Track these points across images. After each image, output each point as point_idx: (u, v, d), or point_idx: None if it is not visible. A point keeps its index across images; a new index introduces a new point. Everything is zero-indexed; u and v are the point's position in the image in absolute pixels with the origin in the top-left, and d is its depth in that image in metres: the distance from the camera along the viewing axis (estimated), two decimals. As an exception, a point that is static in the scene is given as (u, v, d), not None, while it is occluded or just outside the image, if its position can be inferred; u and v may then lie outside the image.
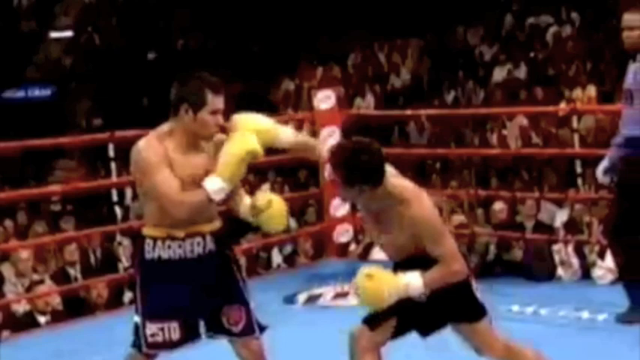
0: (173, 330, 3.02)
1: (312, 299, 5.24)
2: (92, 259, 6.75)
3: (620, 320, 4.48)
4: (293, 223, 7.73)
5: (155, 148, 2.95)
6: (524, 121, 9.72)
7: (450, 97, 11.63)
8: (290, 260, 6.82)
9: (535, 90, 10.64)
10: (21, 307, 5.73)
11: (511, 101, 10.34)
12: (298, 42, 14.01)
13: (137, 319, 3.06)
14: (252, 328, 3.10)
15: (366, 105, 11.86)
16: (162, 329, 3.02)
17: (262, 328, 3.15)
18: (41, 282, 5.96)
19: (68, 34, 17.14)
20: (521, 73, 11.39)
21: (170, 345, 3.06)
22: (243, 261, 6.57)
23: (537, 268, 5.50)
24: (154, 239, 3.02)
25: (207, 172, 2.97)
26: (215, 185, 2.92)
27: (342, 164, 2.86)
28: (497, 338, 3.12)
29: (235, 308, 3.08)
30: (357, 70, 13.25)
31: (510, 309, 4.84)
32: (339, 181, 2.88)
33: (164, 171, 2.92)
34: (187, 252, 3.03)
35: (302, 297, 5.31)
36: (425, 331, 3.09)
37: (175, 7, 16.13)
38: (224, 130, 3.06)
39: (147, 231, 3.05)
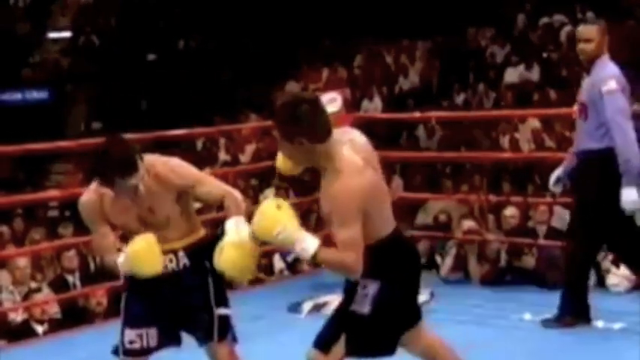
0: (151, 337, 3.17)
1: (317, 308, 5.23)
2: (91, 266, 6.78)
3: (544, 325, 4.63)
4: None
5: (91, 204, 3.20)
6: (537, 124, 9.72)
7: (460, 100, 11.64)
8: (294, 267, 6.83)
9: (548, 92, 10.65)
10: (18, 316, 5.75)
11: (523, 103, 10.34)
12: (302, 43, 14.04)
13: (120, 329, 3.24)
14: (210, 335, 3.21)
15: (374, 108, 11.88)
16: (140, 335, 3.16)
17: (224, 333, 3.22)
18: (39, 290, 5.98)
19: (66, 34, 17.19)
20: (534, 74, 11.39)
21: (147, 352, 3.21)
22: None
23: (550, 276, 5.50)
24: None
25: (140, 219, 3.15)
26: (122, 266, 3.11)
27: (281, 117, 2.85)
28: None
29: (200, 315, 3.20)
30: (364, 71, 13.27)
31: (522, 318, 4.84)
32: (279, 136, 2.88)
33: (99, 229, 3.21)
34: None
35: (307, 306, 5.31)
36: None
37: (176, 6, 16.16)
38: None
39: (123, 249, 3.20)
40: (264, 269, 6.82)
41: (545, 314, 4.73)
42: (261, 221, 2.82)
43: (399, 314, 3.00)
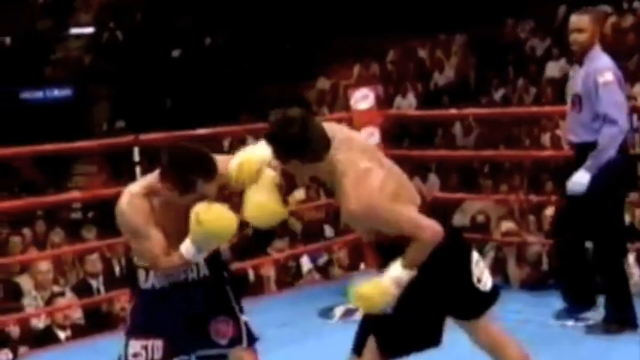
0: (156, 349, 3.15)
1: (349, 313, 5.23)
2: (115, 270, 6.83)
3: (588, 332, 4.62)
4: (329, 231, 7.75)
5: (142, 206, 3.03)
6: (636, 122, 9.63)
7: (498, 96, 11.59)
8: (325, 271, 6.83)
9: (591, 87, 10.56)
10: (40, 322, 5.80)
11: (565, 99, 10.26)
12: (333, 38, 14.05)
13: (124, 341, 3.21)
14: (240, 339, 3.21)
15: (408, 104, 11.86)
16: (145, 347, 3.14)
17: (253, 340, 3.24)
18: (61, 294, 6.03)
19: (88, 30, 17.33)
20: (577, 68, 11.31)
21: None
22: (272, 272, 6.63)
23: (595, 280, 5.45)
24: (147, 269, 3.14)
25: (177, 227, 3.03)
26: (190, 252, 3.01)
27: (273, 138, 2.88)
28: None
29: (222, 321, 3.20)
30: (397, 67, 13.25)
31: (565, 324, 4.80)
32: (274, 154, 2.90)
33: (151, 233, 3.02)
34: (180, 277, 3.15)
35: (338, 311, 5.31)
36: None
37: (202, 1, 16.23)
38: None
39: (138, 261, 3.16)
40: (292, 272, 6.85)
41: (590, 320, 4.69)
42: (371, 307, 2.93)
43: (428, 307, 2.99)
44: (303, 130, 2.82)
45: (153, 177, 3.08)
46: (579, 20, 4.55)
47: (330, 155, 2.86)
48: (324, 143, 2.85)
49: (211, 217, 2.90)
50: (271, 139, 2.88)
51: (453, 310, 3.07)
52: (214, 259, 3.21)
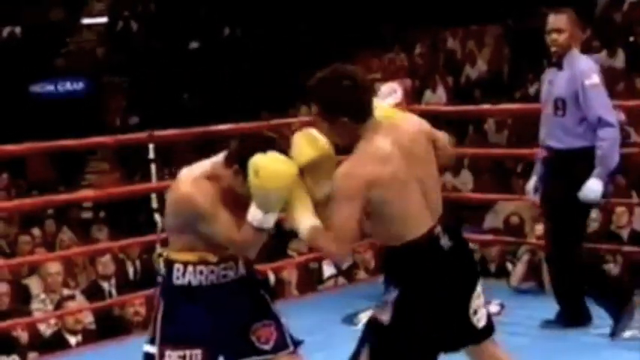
0: (195, 358, 3.10)
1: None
2: (129, 273, 6.85)
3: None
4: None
5: (211, 192, 3.05)
6: (622, 117, 9.56)
7: (533, 90, 11.51)
8: (349, 274, 6.82)
9: (634, 80, 10.49)
10: (49, 327, 5.83)
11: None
12: (359, 29, 14.02)
13: (151, 349, 3.15)
14: (285, 343, 3.21)
15: (437, 99, 11.82)
16: (183, 357, 3.10)
17: (297, 343, 3.25)
18: (72, 298, 6.05)
19: (102, 20, 17.41)
20: (619, 60, 11.23)
21: None
22: (294, 276, 6.62)
23: (635, 286, 5.41)
24: (185, 264, 3.12)
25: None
26: (257, 217, 2.98)
27: (321, 93, 2.88)
28: None
29: (265, 325, 3.20)
30: (426, 59, 13.21)
31: (604, 333, 4.77)
32: (317, 114, 2.90)
33: (223, 215, 3.03)
34: (220, 277, 3.15)
35: (364, 316, 5.29)
36: None
37: (221, -10, 16.27)
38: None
39: (176, 255, 3.15)
40: (314, 275, 6.84)
41: (633, 329, 4.66)
42: (265, 174, 2.89)
43: (427, 329, 2.91)
44: (356, 85, 2.85)
45: (212, 163, 3.10)
46: (558, 20, 4.62)
47: (372, 122, 2.88)
48: (370, 105, 2.88)
49: (268, 161, 2.90)
50: (321, 94, 2.87)
51: (444, 339, 2.99)
52: (249, 260, 3.20)
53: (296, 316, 5.30)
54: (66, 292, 6.27)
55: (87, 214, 9.91)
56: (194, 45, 16.30)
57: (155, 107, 14.58)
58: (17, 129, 12.59)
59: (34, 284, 6.50)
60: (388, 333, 2.92)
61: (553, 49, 4.62)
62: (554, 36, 4.59)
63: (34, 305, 6.19)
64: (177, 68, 15.42)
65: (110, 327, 5.87)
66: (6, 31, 16.58)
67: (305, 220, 2.88)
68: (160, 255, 3.24)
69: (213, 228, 3.02)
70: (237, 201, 3.03)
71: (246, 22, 16.03)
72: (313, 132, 2.98)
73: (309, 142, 2.95)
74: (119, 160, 13.82)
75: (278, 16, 15.19)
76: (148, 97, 15.23)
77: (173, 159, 12.84)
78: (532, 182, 4.85)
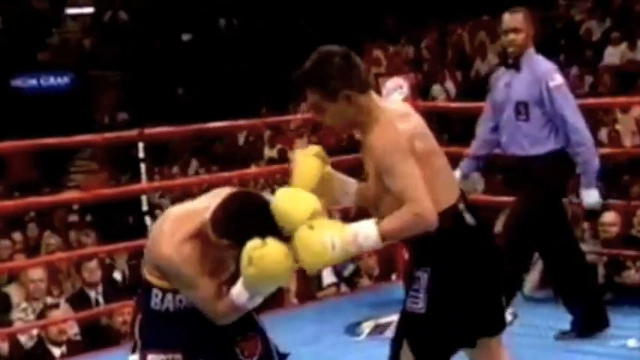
0: None
1: (378, 329, 5.22)
2: (117, 279, 6.84)
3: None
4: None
5: (193, 255, 3.04)
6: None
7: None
8: (352, 282, 6.82)
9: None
10: (32, 337, 5.82)
11: (626, 89, 10.20)
12: (363, 21, 14.03)
13: (133, 357, 3.21)
14: (270, 357, 3.25)
15: (445, 95, 11.83)
16: None
17: (282, 357, 3.28)
18: (55, 306, 6.06)
19: (88, 10, 17.42)
20: (639, 53, 11.25)
21: None
22: (292, 284, 6.62)
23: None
24: (164, 291, 3.15)
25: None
26: (242, 297, 3.02)
27: (317, 74, 2.91)
28: None
29: (249, 337, 3.22)
30: (434, 53, 13.21)
31: (625, 344, 4.76)
32: (319, 99, 2.92)
33: (204, 283, 3.06)
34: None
35: (367, 327, 5.30)
36: None
37: (216, -22, 16.29)
38: None
39: (154, 280, 3.15)
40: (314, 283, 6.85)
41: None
42: (306, 251, 2.83)
43: (464, 306, 2.95)
44: (348, 60, 2.92)
45: (201, 217, 3.04)
46: (514, 19, 4.66)
47: (372, 95, 2.95)
48: (367, 77, 2.96)
49: (265, 256, 2.88)
50: (318, 75, 2.91)
51: (479, 320, 3.04)
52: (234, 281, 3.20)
53: (295, 326, 5.33)
54: (49, 300, 6.27)
55: (72, 217, 9.90)
56: (188, 37, 16.31)
57: (146, 103, 14.60)
58: (-3, 126, 12.59)
59: (14, 292, 6.50)
60: (426, 321, 2.94)
61: (510, 49, 4.66)
62: (512, 36, 4.63)
63: (15, 314, 6.19)
64: (169, 62, 15.44)
65: (97, 338, 5.87)
66: (-15, 22, 16.59)
67: (363, 228, 2.84)
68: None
69: (193, 296, 3.06)
70: (220, 257, 3.07)
71: (243, 13, 16.04)
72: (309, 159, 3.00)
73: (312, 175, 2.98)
74: (107, 159, 13.83)
75: (278, 6, 15.20)
76: (138, 92, 15.24)
77: (165, 159, 12.87)
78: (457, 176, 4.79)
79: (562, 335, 4.81)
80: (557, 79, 4.59)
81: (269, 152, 11.82)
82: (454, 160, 3.12)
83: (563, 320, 4.89)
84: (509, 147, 4.73)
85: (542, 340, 4.83)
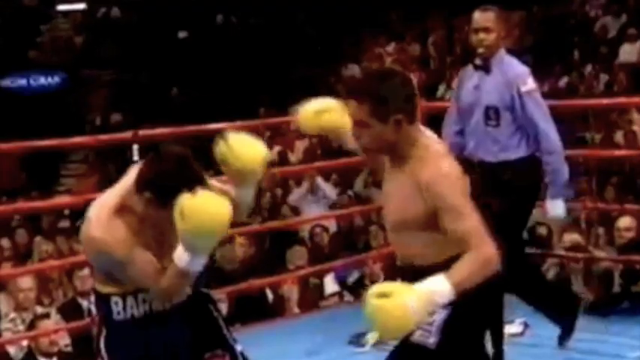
0: None
1: (383, 340, 5.24)
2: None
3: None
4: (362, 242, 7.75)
5: (120, 230, 2.97)
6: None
7: (562, 84, 11.54)
8: (356, 291, 6.82)
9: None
10: (21, 349, 5.82)
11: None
12: (365, 17, 14.04)
13: None
14: None
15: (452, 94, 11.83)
16: None
17: None
18: (46, 316, 6.05)
19: (80, 7, 17.43)
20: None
21: None
22: (294, 292, 6.63)
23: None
24: (123, 296, 3.07)
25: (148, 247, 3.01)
26: (183, 258, 2.93)
27: (373, 92, 2.86)
28: None
29: (217, 355, 3.19)
30: (440, 50, 13.22)
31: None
32: (365, 116, 2.87)
33: (142, 256, 2.98)
34: (165, 302, 3.09)
35: (372, 337, 5.30)
36: None
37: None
38: None
39: (108, 288, 3.08)
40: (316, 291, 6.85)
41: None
42: (387, 320, 2.70)
43: (479, 352, 2.97)
44: (408, 83, 2.90)
45: (122, 190, 3.02)
46: (485, 18, 4.60)
47: (419, 129, 2.93)
48: (417, 105, 2.93)
49: (197, 205, 2.81)
50: (373, 93, 2.86)
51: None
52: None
53: (297, 336, 5.34)
54: (39, 310, 6.26)
55: (64, 224, 9.89)
56: (184, 34, 16.31)
57: (140, 103, 14.60)
58: (-15, 128, 12.60)
59: (3, 301, 6.49)
60: (434, 357, 2.92)
61: (479, 50, 4.60)
62: (482, 35, 4.57)
63: (3, 325, 6.19)
64: (165, 60, 15.44)
65: (89, 349, 5.85)
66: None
67: (436, 285, 2.73)
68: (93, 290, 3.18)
69: (133, 273, 2.96)
70: (156, 228, 2.99)
71: (241, 9, 16.05)
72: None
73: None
74: (100, 162, 13.83)
75: (277, 2, 15.21)
76: (132, 92, 15.25)
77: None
78: None
79: (561, 341, 4.82)
80: (530, 84, 4.53)
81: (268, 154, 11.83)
82: (461, 163, 3.11)
83: (579, 330, 4.88)
84: (477, 152, 4.65)
85: (554, 351, 4.83)
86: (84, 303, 6.42)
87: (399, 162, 2.91)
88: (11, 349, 5.81)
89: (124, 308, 3.08)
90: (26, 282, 6.28)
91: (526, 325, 5.18)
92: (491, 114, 4.56)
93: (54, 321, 6.05)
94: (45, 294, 6.79)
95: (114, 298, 3.07)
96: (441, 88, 12.01)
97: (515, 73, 4.54)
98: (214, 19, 16.35)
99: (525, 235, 7.06)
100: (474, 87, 4.65)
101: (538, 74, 12.37)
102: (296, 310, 6.62)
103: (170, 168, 2.91)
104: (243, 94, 13.96)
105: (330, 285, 6.89)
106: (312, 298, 6.80)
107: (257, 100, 13.35)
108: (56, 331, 5.81)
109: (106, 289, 3.07)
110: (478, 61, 4.64)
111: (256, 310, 6.25)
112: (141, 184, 2.94)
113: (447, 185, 2.81)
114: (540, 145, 4.52)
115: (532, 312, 5.51)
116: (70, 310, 6.31)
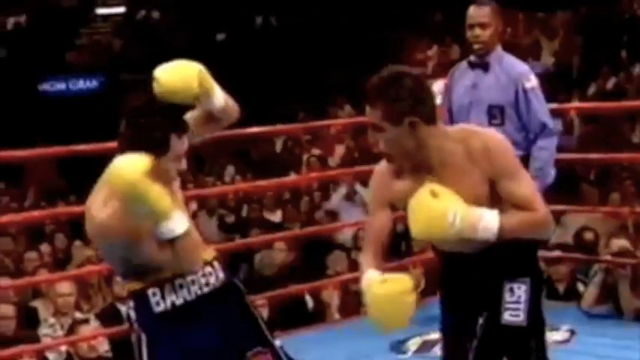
0: None
1: (426, 346, 5.23)
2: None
3: None
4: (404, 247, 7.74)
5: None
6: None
7: (609, 85, 11.46)
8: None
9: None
10: (60, 354, 5.87)
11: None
12: (407, 18, 14.02)
13: None
14: None
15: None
16: None
17: None
18: (85, 322, 6.09)
19: (119, 10, 17.55)
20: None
21: None
22: (335, 297, 6.63)
23: None
24: (160, 285, 3.04)
25: None
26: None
27: (384, 93, 2.88)
28: None
29: (259, 352, 3.16)
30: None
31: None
32: (380, 119, 2.88)
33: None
34: (203, 286, 3.07)
35: (413, 344, 5.31)
36: None
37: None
38: None
39: (142, 284, 3.06)
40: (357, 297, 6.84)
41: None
42: (423, 218, 2.82)
43: (544, 322, 3.08)
44: (420, 84, 2.92)
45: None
46: (481, 13, 4.59)
47: (441, 128, 2.94)
48: (435, 108, 2.94)
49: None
50: (384, 94, 2.89)
51: None
52: (221, 259, 3.16)
53: (338, 343, 5.35)
54: (78, 315, 6.31)
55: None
56: (222, 36, 16.37)
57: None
58: (24, 132, 12.72)
59: (42, 307, 6.55)
60: (528, 334, 3.00)
61: (476, 46, 4.60)
62: (478, 31, 4.58)
63: (43, 330, 6.23)
64: (203, 62, 15.44)
65: (128, 355, 5.89)
66: (10, 22, 16.74)
67: (487, 215, 2.82)
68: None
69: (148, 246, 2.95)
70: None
71: (281, 11, 16.07)
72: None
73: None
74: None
75: (317, 3, 15.22)
76: (170, 95, 15.29)
77: (200, 166, 12.93)
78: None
79: None
80: (533, 81, 4.55)
81: (307, 158, 11.85)
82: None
83: (623, 337, 4.86)
84: None
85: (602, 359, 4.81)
86: (122, 308, 6.46)
87: (422, 167, 2.93)
88: (50, 355, 5.85)
89: (163, 297, 3.05)
90: (65, 287, 6.33)
91: (572, 333, 5.16)
92: (496, 112, 4.56)
93: (93, 326, 6.10)
94: (84, 299, 6.84)
95: (150, 290, 3.04)
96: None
97: (519, 71, 4.56)
98: (253, 21, 16.39)
99: (571, 240, 7.07)
100: (472, 85, 4.65)
101: (584, 76, 12.43)
102: (337, 316, 6.63)
103: (154, 116, 3.11)
104: (282, 97, 13.99)
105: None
106: (353, 303, 6.80)
107: (296, 104, 13.38)
108: (95, 337, 5.85)
109: (138, 286, 3.05)
110: (474, 59, 4.63)
111: (297, 316, 6.27)
112: (126, 138, 3.11)
113: (507, 149, 2.92)
114: (538, 141, 4.53)
115: (578, 318, 5.50)
116: (109, 316, 6.35)
